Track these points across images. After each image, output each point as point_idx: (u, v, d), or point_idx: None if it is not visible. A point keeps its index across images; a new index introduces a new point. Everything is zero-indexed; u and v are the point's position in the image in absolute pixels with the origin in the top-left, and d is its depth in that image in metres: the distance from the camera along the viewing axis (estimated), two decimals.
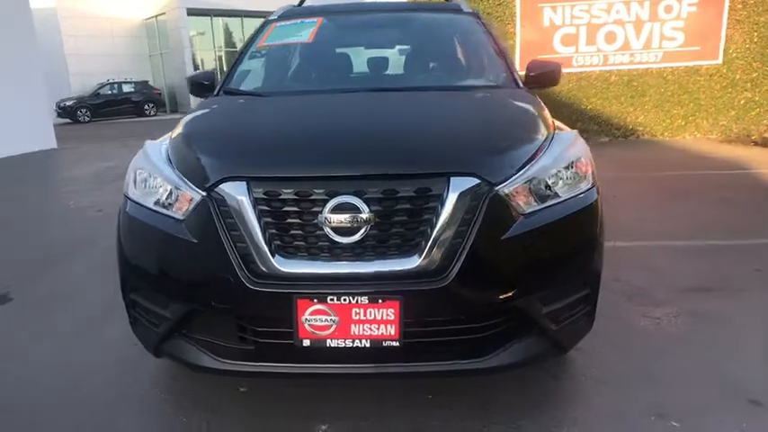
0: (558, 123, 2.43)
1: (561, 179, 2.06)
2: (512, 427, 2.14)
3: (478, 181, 1.89)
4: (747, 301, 3.19)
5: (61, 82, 23.36)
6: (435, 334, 1.93)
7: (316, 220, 1.85)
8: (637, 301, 3.22)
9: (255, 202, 1.88)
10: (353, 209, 1.83)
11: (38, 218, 5.90)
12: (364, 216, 1.82)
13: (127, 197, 2.19)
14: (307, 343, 1.88)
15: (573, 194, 2.08)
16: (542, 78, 3.15)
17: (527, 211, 1.94)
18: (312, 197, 1.86)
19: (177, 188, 2.01)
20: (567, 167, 2.09)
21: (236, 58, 3.37)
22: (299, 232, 1.88)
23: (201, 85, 3.20)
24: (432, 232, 1.84)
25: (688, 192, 5.73)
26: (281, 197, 1.87)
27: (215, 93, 3.13)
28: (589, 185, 2.14)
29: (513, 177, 1.95)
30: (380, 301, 1.84)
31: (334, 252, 1.87)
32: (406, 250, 1.86)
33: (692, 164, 7.23)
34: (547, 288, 1.99)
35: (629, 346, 2.72)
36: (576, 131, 2.38)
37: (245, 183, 1.90)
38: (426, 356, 1.93)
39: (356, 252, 1.87)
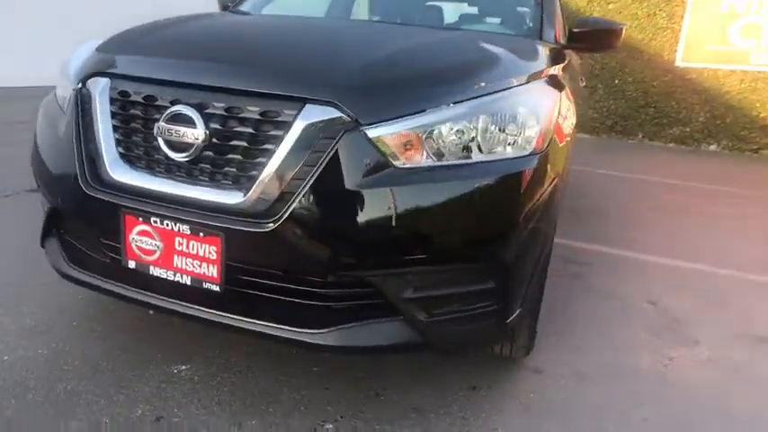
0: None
1: (477, 136, 1.60)
2: None
3: (339, 114, 1.52)
4: None
5: None
6: (263, 288, 1.63)
7: (154, 129, 1.63)
8: (664, 336, 2.55)
9: (110, 102, 1.72)
10: (189, 121, 1.58)
11: None
12: (196, 132, 1.57)
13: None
14: (132, 265, 1.69)
15: (490, 159, 1.61)
16: (589, 37, 2.58)
17: (404, 166, 1.53)
18: (157, 103, 1.65)
19: (67, 81, 1.93)
20: (495, 123, 1.62)
21: None
22: (139, 140, 1.68)
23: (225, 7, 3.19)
24: (267, 164, 1.53)
25: None
26: (131, 98, 1.69)
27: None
28: (524, 152, 1.65)
29: (394, 121, 1.54)
30: (201, 234, 1.58)
31: (169, 169, 1.65)
32: (237, 181, 1.57)
33: None
34: (414, 266, 1.57)
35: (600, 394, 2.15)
36: (545, 79, 1.86)
37: (107, 80, 1.76)
38: (251, 312, 1.64)
39: (190, 173, 1.63)
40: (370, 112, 1.54)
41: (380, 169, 1.51)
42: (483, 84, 1.70)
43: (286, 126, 1.52)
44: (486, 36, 2.34)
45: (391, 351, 1.76)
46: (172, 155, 1.61)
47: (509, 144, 1.64)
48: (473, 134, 1.60)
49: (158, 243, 1.64)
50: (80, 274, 1.86)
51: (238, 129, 1.56)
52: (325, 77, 1.61)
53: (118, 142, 1.70)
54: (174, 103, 1.62)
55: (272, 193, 1.52)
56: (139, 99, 1.67)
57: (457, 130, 1.58)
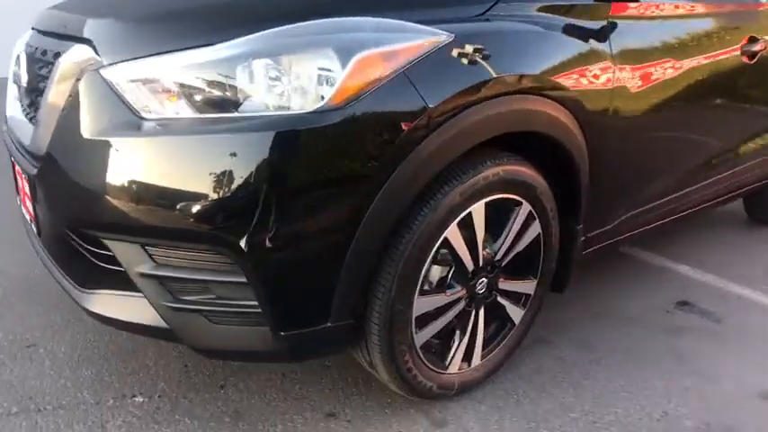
0: None
1: (246, 84, 1.26)
2: None
3: (92, 54, 1.37)
4: None
5: None
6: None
7: None
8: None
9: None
10: (21, 64, 1.65)
11: None
12: (22, 74, 1.62)
13: None
14: (24, 210, 1.84)
15: (260, 113, 1.26)
16: None
17: (148, 116, 1.30)
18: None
19: None
20: (272, 68, 1.26)
21: None
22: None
23: None
24: (42, 105, 1.48)
25: None
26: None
27: None
28: (320, 104, 1.24)
29: (138, 60, 1.31)
30: (22, 174, 1.62)
31: (23, 111, 1.73)
32: (34, 122, 1.56)
33: None
34: (150, 236, 1.32)
35: None
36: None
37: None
38: (59, 257, 1.60)
39: (27, 115, 1.67)
40: (117, 50, 1.34)
41: (115, 118, 1.31)
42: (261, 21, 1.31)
43: (54, 66, 1.45)
44: None
45: (145, 333, 1.51)
46: (18, 97, 1.70)
47: (286, 95, 1.24)
48: (243, 81, 1.25)
49: (19, 183, 1.74)
50: None
51: (40, 71, 1.55)
52: (93, 15, 1.47)
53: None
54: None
55: (42, 136, 1.47)
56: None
57: (219, 76, 1.26)
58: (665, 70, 1.88)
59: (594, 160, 1.74)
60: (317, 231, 1.30)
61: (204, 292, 1.35)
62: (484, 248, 1.60)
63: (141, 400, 1.67)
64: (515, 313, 1.78)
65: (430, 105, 1.31)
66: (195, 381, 1.74)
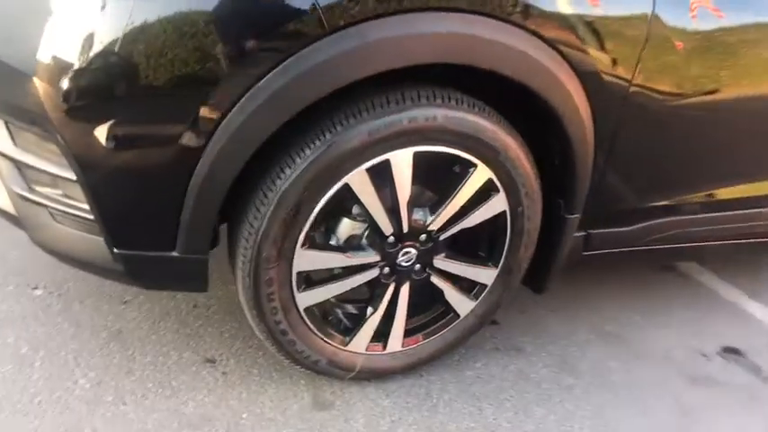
0: None
1: None
2: None
3: None
4: None
5: None
6: None
7: None
8: None
9: None
10: None
11: None
12: None
13: None
14: None
15: None
16: None
17: None
18: None
19: None
20: None
21: None
22: None
23: None
24: None
25: None
26: None
27: None
28: None
29: None
30: None
31: None
32: None
33: None
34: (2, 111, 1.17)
35: None
36: None
37: None
38: None
39: None
40: None
41: None
42: None
43: None
44: None
45: None
46: None
47: None
48: None
49: None
50: None
51: None
52: None
53: None
54: None
55: None
56: None
57: None
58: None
59: (604, 136, 1.31)
60: (153, 139, 1.06)
61: (54, 187, 1.19)
62: (411, 212, 1.27)
63: (40, 293, 1.58)
64: (460, 303, 1.43)
65: (321, 3, 1.00)
66: (105, 289, 1.63)
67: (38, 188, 1.20)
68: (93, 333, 1.46)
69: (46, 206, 1.20)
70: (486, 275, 1.42)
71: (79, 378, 1.33)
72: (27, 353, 1.38)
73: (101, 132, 1.04)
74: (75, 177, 1.10)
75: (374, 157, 1.16)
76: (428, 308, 1.48)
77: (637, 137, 1.36)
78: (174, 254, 1.16)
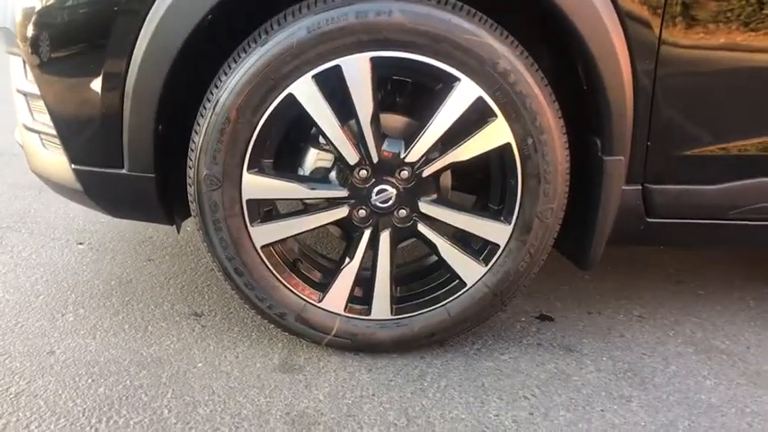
0: None
1: None
2: None
3: None
4: None
5: None
6: None
7: None
8: None
9: None
10: None
11: None
12: None
13: None
14: None
15: None
16: None
17: None
18: None
19: None
20: None
21: None
22: None
23: None
24: None
25: None
26: None
27: None
28: None
29: None
30: None
31: None
32: None
33: None
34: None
35: None
36: None
37: None
38: None
39: None
40: None
41: None
42: None
43: None
44: None
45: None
46: None
47: None
48: None
49: None
50: None
51: None
52: None
53: None
54: None
55: None
56: None
57: None
58: None
59: (643, 48, 1.01)
60: (82, 49, 1.07)
61: (44, 112, 1.24)
62: (380, 138, 1.08)
63: (83, 247, 1.66)
64: (464, 266, 1.16)
65: None
66: (139, 248, 1.66)
67: (38, 117, 1.26)
68: (105, 280, 1.48)
69: (38, 132, 1.25)
70: (496, 232, 1.14)
71: (68, 312, 1.33)
72: (37, 288, 1.43)
73: (43, 46, 1.07)
74: (38, 91, 1.13)
75: (321, 62, 1.01)
76: (431, 272, 1.24)
77: (690, 41, 1.02)
78: (123, 171, 1.12)
